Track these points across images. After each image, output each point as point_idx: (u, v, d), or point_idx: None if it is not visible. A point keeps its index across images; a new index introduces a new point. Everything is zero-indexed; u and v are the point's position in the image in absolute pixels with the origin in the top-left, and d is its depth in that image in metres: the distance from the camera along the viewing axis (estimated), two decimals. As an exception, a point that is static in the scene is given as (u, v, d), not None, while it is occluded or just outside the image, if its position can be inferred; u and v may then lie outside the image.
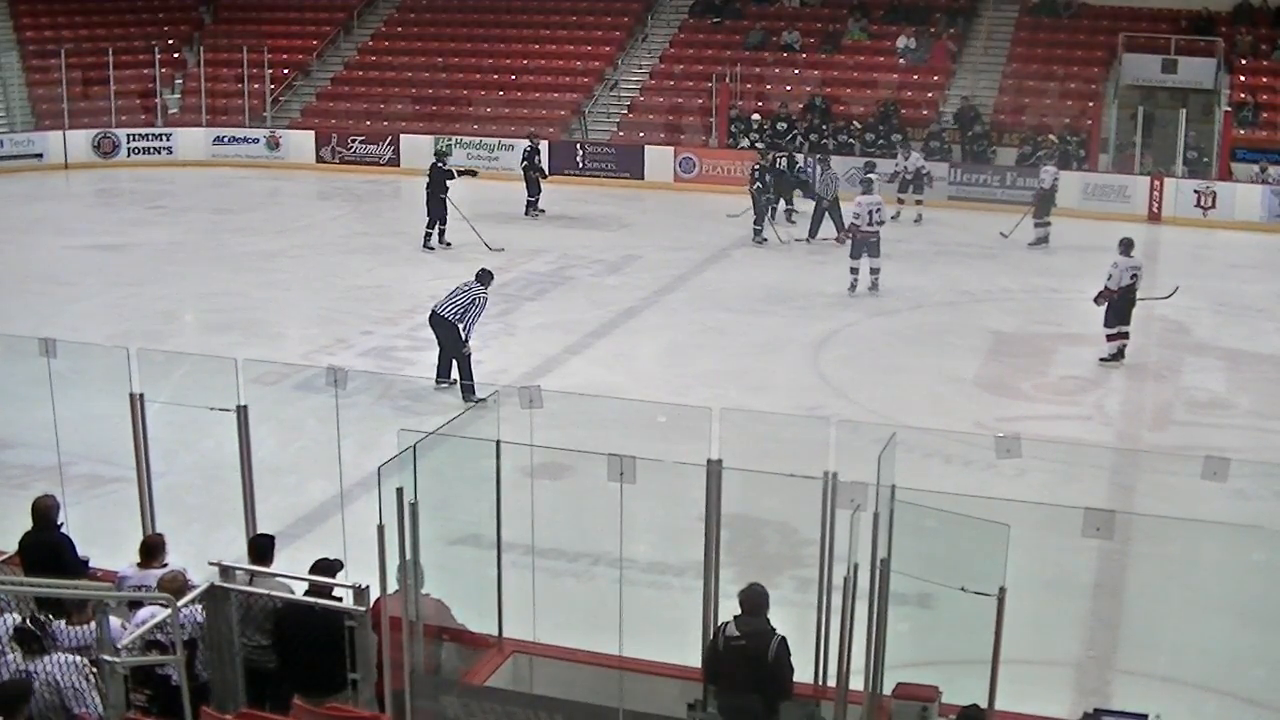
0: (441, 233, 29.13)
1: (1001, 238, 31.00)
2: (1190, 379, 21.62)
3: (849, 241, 26.75)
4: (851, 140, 37.30)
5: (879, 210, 26.49)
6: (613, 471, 9.69)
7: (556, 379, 20.09)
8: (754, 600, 9.99)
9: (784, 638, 9.90)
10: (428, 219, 29.16)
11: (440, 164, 29.33)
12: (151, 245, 29.85)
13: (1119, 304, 21.70)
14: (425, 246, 29.12)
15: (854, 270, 26.32)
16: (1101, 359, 21.91)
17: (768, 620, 9.97)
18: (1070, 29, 40.60)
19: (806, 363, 22.05)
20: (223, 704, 9.48)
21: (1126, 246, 22.06)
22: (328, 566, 10.10)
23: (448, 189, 29.00)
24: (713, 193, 33.30)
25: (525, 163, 33.68)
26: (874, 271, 26.35)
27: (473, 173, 29.11)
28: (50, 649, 9.08)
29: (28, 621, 9.22)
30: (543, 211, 33.40)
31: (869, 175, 29.23)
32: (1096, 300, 21.88)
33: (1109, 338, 21.87)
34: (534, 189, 33.38)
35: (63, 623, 9.50)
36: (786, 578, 13.06)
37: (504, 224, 32.44)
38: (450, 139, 39.37)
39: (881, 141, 37.12)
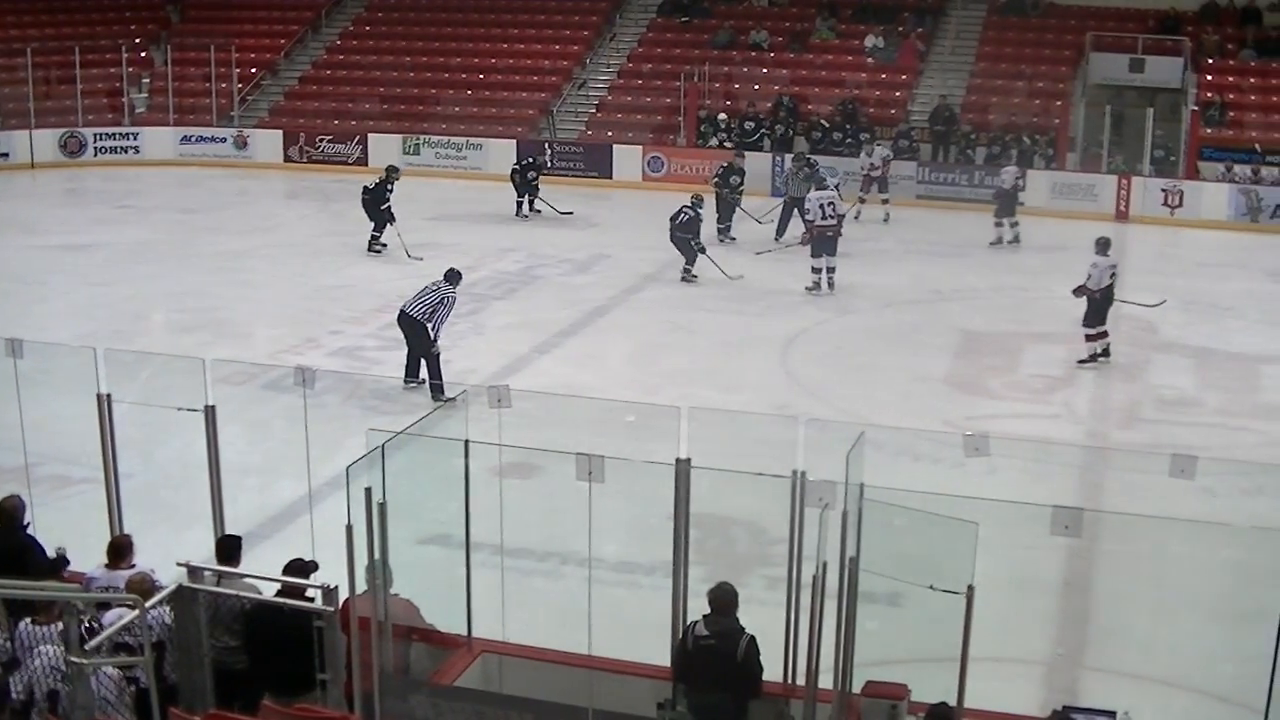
0: (375, 238, 28.92)
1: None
2: (1158, 377, 21.71)
3: (809, 241, 26.91)
4: (821, 138, 37.32)
5: (831, 205, 26.63)
6: (581, 471, 9.69)
7: (525, 378, 20.06)
8: (723, 599, 9.99)
9: (753, 637, 9.91)
10: (375, 226, 28.89)
11: (388, 183, 28.92)
12: (119, 245, 29.74)
13: (1099, 304, 21.71)
14: (374, 249, 28.92)
15: (815, 270, 26.41)
16: (1080, 361, 21.92)
17: (737, 619, 9.97)
18: (1038, 28, 40.76)
19: (775, 361, 22.07)
20: (191, 705, 9.45)
21: (1103, 246, 22.02)
22: (301, 567, 10.08)
23: (388, 199, 28.72)
24: (682, 191, 33.16)
25: (516, 167, 33.68)
26: (829, 270, 26.44)
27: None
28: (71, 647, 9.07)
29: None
30: (538, 213, 33.42)
31: (819, 173, 29.66)
32: (1075, 293, 21.86)
33: (1088, 338, 21.89)
34: (522, 192, 33.31)
35: (27, 621, 9.49)
36: (755, 576, 13.06)
37: (474, 224, 32.50)
38: (420, 138, 39.43)
39: (849, 140, 37.16)
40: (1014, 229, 30.78)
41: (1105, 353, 21.92)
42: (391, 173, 28.87)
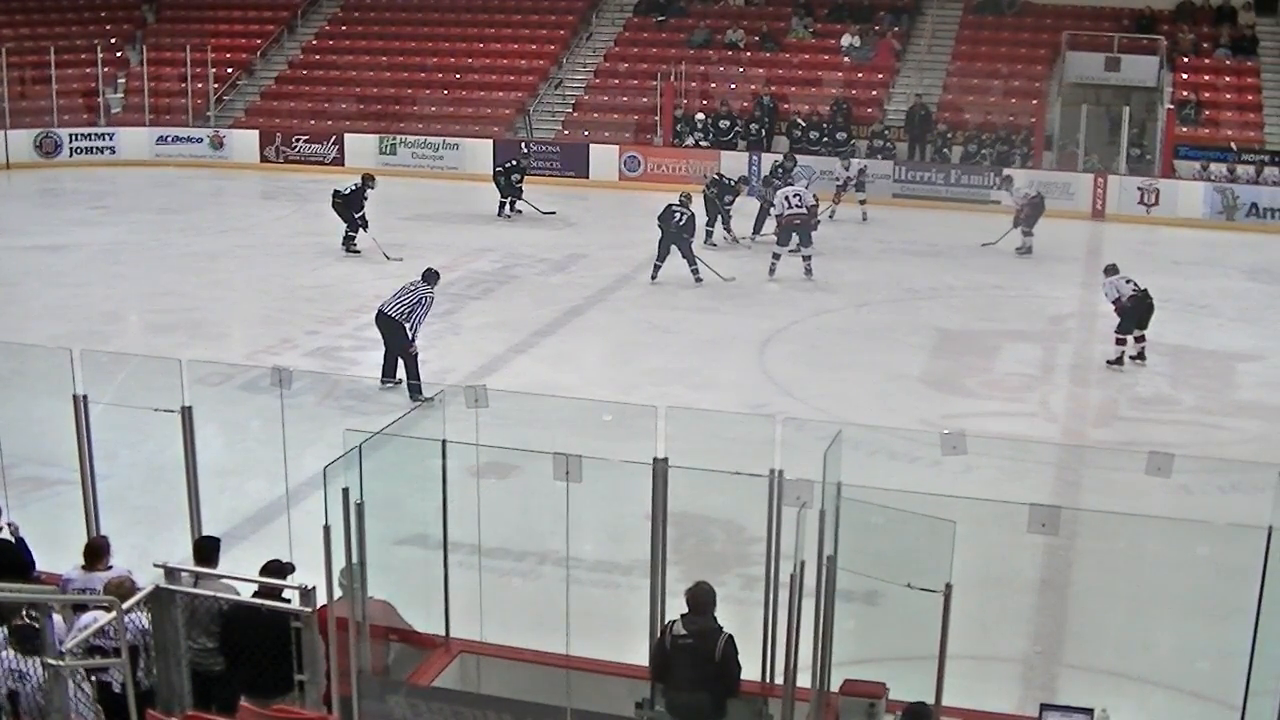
0: (351, 238, 28.83)
1: (983, 246, 30.87)
2: (1134, 375, 21.72)
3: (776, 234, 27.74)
4: (800, 138, 37.42)
5: (797, 196, 27.26)
6: (559, 470, 9.69)
7: (502, 378, 20.06)
8: (700, 599, 10.00)
9: (731, 636, 9.92)
10: (350, 227, 28.76)
11: (364, 191, 28.78)
12: (95, 246, 29.64)
13: (1130, 310, 21.78)
14: (351, 249, 28.82)
15: (775, 255, 27.25)
16: (1108, 361, 21.97)
17: (715, 618, 9.98)
18: (1014, 27, 40.89)
19: (752, 360, 22.08)
20: (168, 707, 9.42)
21: (1109, 270, 22.45)
22: (279, 569, 10.05)
23: (363, 207, 28.62)
24: (658, 191, 33.24)
25: (500, 168, 33.61)
26: (806, 259, 27.08)
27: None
28: (46, 650, 9.03)
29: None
30: (519, 213, 33.38)
31: (790, 176, 30.06)
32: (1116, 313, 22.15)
33: (1117, 341, 21.98)
34: (506, 194, 33.26)
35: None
36: (733, 575, 13.08)
37: (450, 224, 32.48)
38: (396, 138, 39.43)
39: (826, 140, 37.22)
40: (1006, 237, 30.54)
41: (1140, 356, 21.96)
42: (367, 181, 28.73)
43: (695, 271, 26.61)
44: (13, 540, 11.51)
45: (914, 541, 8.94)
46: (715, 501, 14.32)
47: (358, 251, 28.56)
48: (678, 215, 26.45)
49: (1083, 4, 39.96)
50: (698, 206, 28.19)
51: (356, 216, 28.46)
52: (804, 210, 27.01)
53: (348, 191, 28.67)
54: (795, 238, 27.11)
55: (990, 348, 23.23)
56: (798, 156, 33.53)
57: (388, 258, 27.60)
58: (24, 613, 9.25)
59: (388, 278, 23.62)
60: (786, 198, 27.15)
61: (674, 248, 26.45)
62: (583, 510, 9.96)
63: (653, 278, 26.79)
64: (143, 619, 9.55)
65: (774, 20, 42.25)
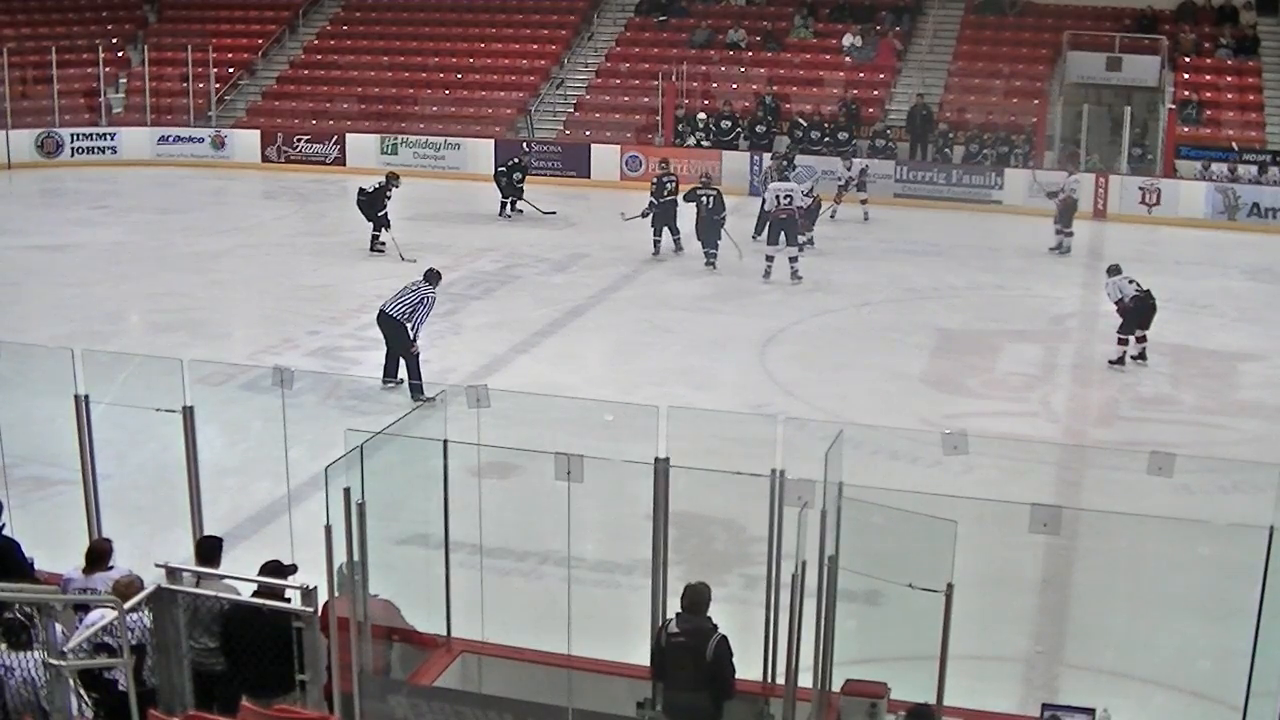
0: (375, 238, 28.84)
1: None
2: (1135, 375, 21.72)
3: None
4: (801, 137, 37.42)
5: (788, 196, 27.27)
6: (560, 470, 9.69)
7: (504, 378, 20.05)
8: (695, 598, 10.01)
9: (724, 636, 9.91)
10: (374, 226, 28.80)
11: (388, 190, 28.81)
12: (96, 245, 29.64)
13: (1133, 311, 21.82)
14: (376, 248, 28.85)
15: (768, 257, 27.15)
16: (1110, 361, 21.99)
17: (709, 618, 9.98)
18: (1015, 27, 40.91)
19: (753, 360, 22.07)
20: (170, 707, 9.42)
21: (1112, 270, 22.52)
22: (278, 568, 10.04)
23: (385, 206, 28.65)
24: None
25: (501, 168, 33.63)
26: (792, 260, 27.07)
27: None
28: (34, 645, 9.02)
29: (16, 612, 9.15)
30: (519, 213, 33.41)
31: (782, 165, 30.62)
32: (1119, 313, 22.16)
33: (1119, 341, 22.01)
34: (507, 194, 33.28)
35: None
36: (735, 575, 13.09)
37: (451, 223, 32.45)
38: (398, 138, 39.41)
39: (828, 139, 37.20)
40: (1067, 237, 30.55)
41: (1141, 355, 21.98)
42: (391, 180, 28.75)
43: (711, 257, 27.29)
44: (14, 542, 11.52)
45: (915, 541, 8.95)
46: (716, 501, 14.32)
47: (382, 250, 28.59)
48: (703, 198, 27.27)
49: (1084, 4, 39.97)
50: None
51: (380, 215, 28.52)
52: (791, 209, 27.00)
53: (371, 190, 28.75)
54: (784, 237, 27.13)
55: (991, 347, 23.23)
56: (799, 155, 33.54)
57: (403, 258, 27.57)
58: (16, 608, 9.27)
59: (389, 277, 23.62)
60: (777, 196, 27.21)
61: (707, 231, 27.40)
62: (584, 510, 9.97)
63: (708, 263, 27.70)
64: (146, 618, 9.55)
65: (775, 20, 42.25)
